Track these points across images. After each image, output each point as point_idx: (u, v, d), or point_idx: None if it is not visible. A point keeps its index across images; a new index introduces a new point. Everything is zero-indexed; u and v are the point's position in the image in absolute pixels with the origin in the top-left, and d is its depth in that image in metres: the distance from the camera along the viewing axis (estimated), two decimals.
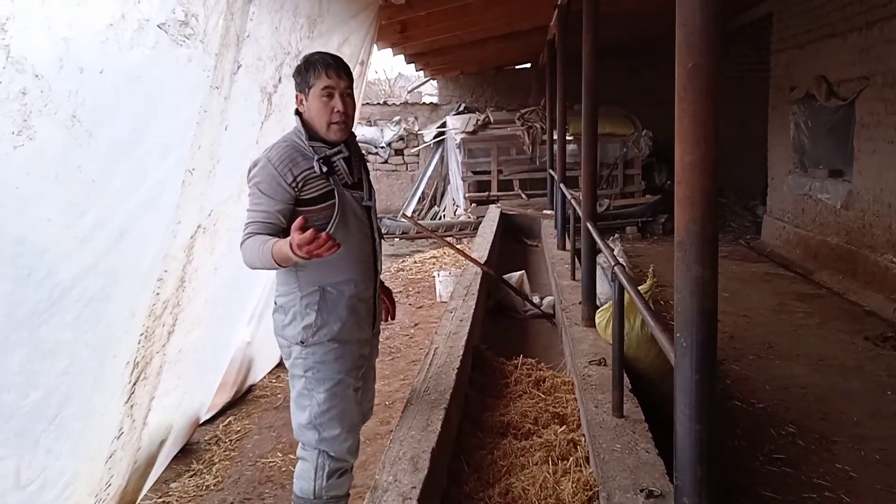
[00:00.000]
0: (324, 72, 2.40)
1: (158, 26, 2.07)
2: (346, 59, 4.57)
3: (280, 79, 3.40)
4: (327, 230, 2.26)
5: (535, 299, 5.52)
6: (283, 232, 2.30)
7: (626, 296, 2.94)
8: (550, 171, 9.53)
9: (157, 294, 2.76)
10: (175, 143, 2.43)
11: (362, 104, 5.95)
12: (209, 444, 4.20)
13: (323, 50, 4.06)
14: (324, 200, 2.39)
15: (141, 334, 2.73)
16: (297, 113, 2.52)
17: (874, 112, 6.93)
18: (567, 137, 8.30)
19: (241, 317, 4.32)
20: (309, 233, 2.00)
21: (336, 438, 2.47)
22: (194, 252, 3.01)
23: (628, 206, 10.87)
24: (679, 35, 1.44)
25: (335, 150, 2.44)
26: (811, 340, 5.55)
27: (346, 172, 2.49)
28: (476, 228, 9.23)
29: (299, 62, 2.50)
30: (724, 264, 8.79)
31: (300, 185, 2.34)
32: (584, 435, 3.00)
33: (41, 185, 1.77)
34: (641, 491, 2.28)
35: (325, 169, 2.38)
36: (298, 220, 2.07)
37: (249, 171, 2.43)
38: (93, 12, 1.73)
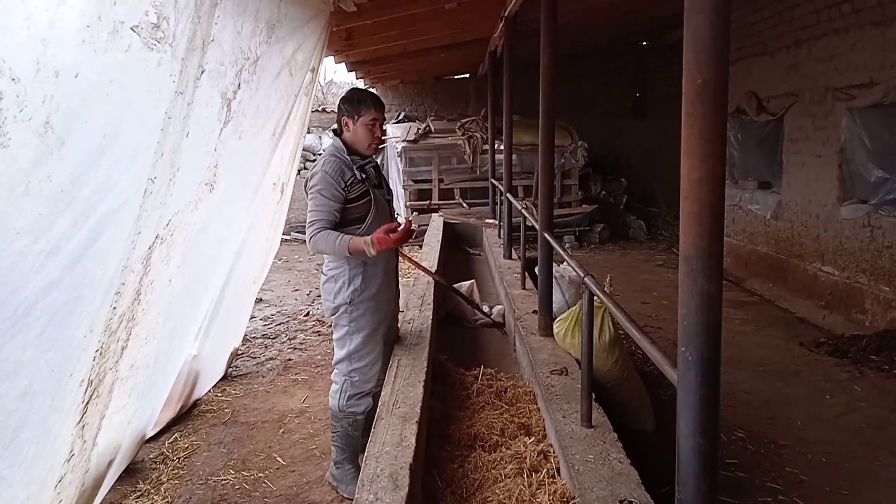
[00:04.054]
0: (372, 107, 3.28)
1: (132, 29, 1.96)
2: (298, 66, 4.52)
3: (239, 84, 3.29)
4: (368, 217, 3.26)
5: (485, 308, 5.53)
6: (337, 225, 3.21)
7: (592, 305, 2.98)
8: (493, 180, 9.59)
9: (114, 308, 2.62)
10: (141, 150, 2.32)
11: (311, 111, 5.87)
12: (155, 462, 4.03)
13: (279, 56, 4.00)
14: (362, 198, 3.27)
15: (96, 351, 2.58)
16: (337, 133, 3.38)
17: (802, 127, 7.26)
18: (501, 147, 8.38)
19: (190, 329, 4.17)
20: (403, 230, 3.10)
21: (362, 368, 3.37)
22: (151, 263, 2.88)
23: (566, 215, 11.05)
24: (687, 52, 1.46)
25: (366, 160, 3.34)
26: (750, 347, 5.75)
27: (374, 176, 3.39)
28: (418, 237, 9.19)
29: (349, 94, 3.35)
30: (660, 272, 9.06)
31: (348, 188, 3.21)
32: (551, 445, 3.00)
33: (11, 195, 1.65)
34: (621, 502, 2.30)
35: (362, 175, 3.27)
36: (388, 225, 3.11)
37: (307, 181, 3.24)
38: (72, 12, 1.63)
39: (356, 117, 3.26)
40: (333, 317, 3.38)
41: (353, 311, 3.30)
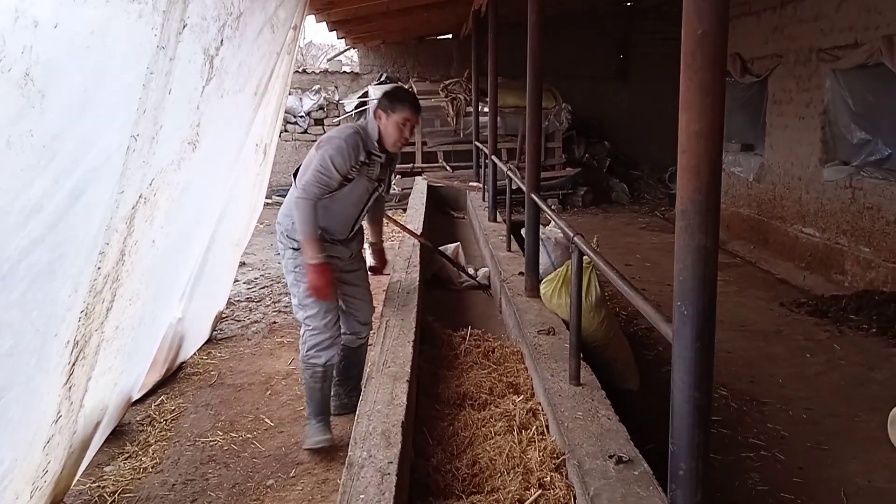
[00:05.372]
0: (408, 108, 3.36)
1: None
2: (280, 23, 4.42)
3: (222, 41, 3.21)
4: (336, 193, 3.34)
5: (470, 270, 5.53)
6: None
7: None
8: (477, 143, 9.53)
9: (99, 268, 2.58)
10: (123, 106, 2.26)
11: (293, 72, 5.76)
12: (142, 424, 4.02)
13: (261, 11, 3.91)
14: (350, 181, 3.36)
15: (81, 311, 2.54)
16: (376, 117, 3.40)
17: (786, 89, 7.26)
18: (485, 109, 8.31)
19: (175, 291, 4.13)
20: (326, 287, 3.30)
21: (316, 315, 3.41)
22: (135, 224, 2.83)
23: (549, 178, 11.01)
24: (687, 2, 1.43)
25: (383, 153, 3.44)
26: (732, 307, 5.81)
27: (378, 170, 3.48)
28: (401, 200, 9.15)
29: (391, 90, 3.52)
30: (642, 235, 9.10)
31: (353, 167, 3.32)
32: (540, 403, 3.03)
33: None
34: (611, 457, 2.33)
35: (366, 161, 3.37)
36: (329, 278, 3.30)
37: (321, 144, 3.33)
38: None
39: (389, 113, 3.33)
40: (283, 260, 3.53)
41: (300, 256, 3.37)
